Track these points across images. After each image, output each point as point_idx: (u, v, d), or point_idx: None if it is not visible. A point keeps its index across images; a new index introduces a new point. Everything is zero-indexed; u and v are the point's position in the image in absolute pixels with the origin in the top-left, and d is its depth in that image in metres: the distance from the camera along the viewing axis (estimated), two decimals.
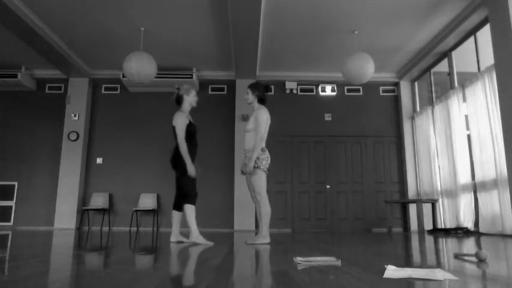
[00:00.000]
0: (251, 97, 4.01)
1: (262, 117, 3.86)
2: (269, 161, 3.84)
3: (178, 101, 4.14)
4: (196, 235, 3.78)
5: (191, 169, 3.78)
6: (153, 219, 7.86)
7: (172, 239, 3.89)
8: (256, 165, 3.73)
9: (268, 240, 3.69)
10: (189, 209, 3.79)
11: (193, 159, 3.91)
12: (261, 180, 3.77)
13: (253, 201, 3.95)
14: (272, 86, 8.50)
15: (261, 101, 4.02)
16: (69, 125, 8.07)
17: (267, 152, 3.85)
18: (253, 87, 4.02)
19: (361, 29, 6.52)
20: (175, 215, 3.95)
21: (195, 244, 3.60)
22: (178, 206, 3.93)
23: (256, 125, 3.84)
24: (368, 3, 5.77)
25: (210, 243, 3.62)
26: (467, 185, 6.29)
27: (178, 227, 3.94)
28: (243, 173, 3.91)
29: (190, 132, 3.94)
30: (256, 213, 4.00)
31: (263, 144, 3.85)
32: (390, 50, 7.33)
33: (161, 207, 7.96)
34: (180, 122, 3.92)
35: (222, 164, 8.12)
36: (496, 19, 5.20)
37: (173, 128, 3.93)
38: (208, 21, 6.31)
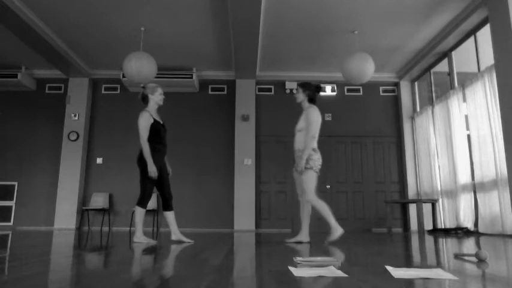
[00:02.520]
0: (301, 96, 4.00)
1: (314, 117, 3.86)
2: (320, 162, 3.87)
3: (144, 100, 4.16)
4: (139, 235, 3.78)
5: (151, 169, 3.75)
6: (153, 219, 7.86)
7: (173, 237, 3.93)
8: (308, 166, 3.75)
9: (339, 231, 3.68)
10: (138, 211, 3.79)
11: (161, 159, 3.92)
12: (311, 181, 3.79)
13: (299, 199, 3.99)
14: (272, 86, 8.50)
15: (311, 100, 4.00)
16: (69, 125, 8.07)
17: (318, 153, 3.88)
18: (303, 86, 4.02)
19: (361, 29, 6.52)
20: (167, 215, 3.95)
21: (139, 244, 3.47)
22: (167, 206, 3.95)
23: (307, 125, 3.85)
24: (368, 3, 5.77)
25: (153, 242, 3.71)
26: (467, 185, 6.29)
27: (175, 226, 3.96)
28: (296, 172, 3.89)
29: (156, 131, 3.92)
30: (301, 212, 4.04)
31: (315, 145, 3.85)
32: (390, 50, 7.33)
33: (161, 208, 7.95)
34: (142, 121, 3.92)
35: (222, 164, 8.12)
36: (496, 19, 5.20)
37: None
38: (208, 21, 6.31)
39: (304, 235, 3.81)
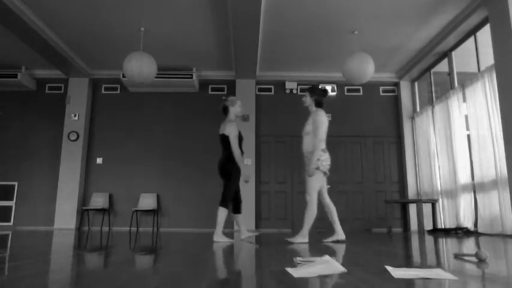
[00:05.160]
0: (309, 100, 4.12)
1: (321, 119, 3.94)
2: (329, 162, 3.96)
3: (225, 111, 4.52)
4: (220, 235, 4.14)
5: (246, 173, 4.27)
6: (153, 219, 7.86)
7: (243, 237, 4.32)
8: (316, 167, 3.83)
9: (306, 239, 3.85)
10: (221, 212, 4.19)
11: (241, 165, 4.34)
12: (315, 182, 3.88)
13: (323, 202, 4.11)
14: (272, 86, 8.50)
15: (318, 104, 4.11)
16: (69, 125, 8.07)
17: (327, 153, 3.96)
18: (311, 90, 4.14)
19: (361, 29, 6.52)
20: (237, 217, 4.38)
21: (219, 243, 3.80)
22: (237, 210, 4.40)
23: (314, 128, 3.94)
24: (368, 3, 5.77)
25: (232, 241, 4.03)
26: (467, 185, 6.29)
27: (244, 226, 4.37)
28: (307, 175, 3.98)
29: (239, 141, 4.37)
30: (328, 214, 4.17)
31: (323, 146, 3.93)
32: (390, 50, 7.34)
33: (161, 207, 7.96)
34: (233, 131, 4.31)
35: None
36: (496, 19, 5.20)
37: (222, 136, 4.38)
38: (208, 21, 6.31)
39: (339, 233, 3.94)
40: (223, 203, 4.20)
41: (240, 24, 5.95)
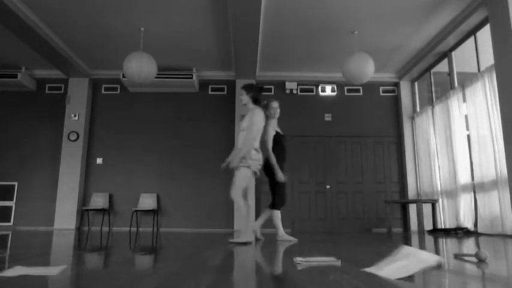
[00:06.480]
0: (246, 98, 4.08)
1: (256, 118, 3.89)
2: (261, 162, 3.89)
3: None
4: (281, 234, 4.30)
5: (279, 175, 4.25)
6: (153, 220, 7.87)
7: (282, 234, 4.33)
8: (245, 164, 3.76)
9: (252, 238, 3.68)
10: (275, 214, 4.37)
11: (281, 166, 4.36)
12: (243, 179, 3.80)
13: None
14: (272, 86, 8.50)
15: (255, 101, 4.08)
16: (69, 125, 8.07)
17: (260, 154, 3.90)
18: (247, 88, 4.11)
19: (361, 29, 6.52)
20: (273, 213, 4.40)
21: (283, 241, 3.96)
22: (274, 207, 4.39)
23: (248, 125, 3.88)
24: (368, 3, 5.77)
25: (295, 240, 4.12)
26: (467, 185, 6.29)
27: (260, 223, 4.41)
28: (226, 167, 4.03)
29: (276, 142, 4.40)
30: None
31: (256, 145, 3.88)
32: (390, 50, 7.34)
33: (161, 208, 7.96)
34: (266, 133, 4.37)
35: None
36: (496, 19, 5.20)
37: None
38: (208, 21, 6.31)
39: (246, 235, 3.71)
40: (274, 206, 4.39)
41: (240, 24, 5.95)
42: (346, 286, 1.26)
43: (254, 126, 3.84)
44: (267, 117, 4.42)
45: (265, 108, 4.46)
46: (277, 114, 4.51)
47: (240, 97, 4.17)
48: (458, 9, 5.93)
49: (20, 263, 1.90)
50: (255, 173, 3.86)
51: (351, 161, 8.25)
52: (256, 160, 3.82)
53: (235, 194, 3.76)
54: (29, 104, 8.40)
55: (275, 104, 4.51)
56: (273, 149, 4.36)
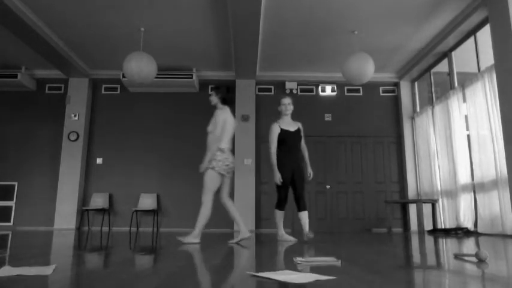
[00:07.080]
0: (215, 99, 4.07)
1: (223, 118, 3.88)
2: (228, 163, 3.80)
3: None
4: (281, 234, 4.30)
5: (275, 177, 4.24)
6: (153, 220, 7.87)
7: (305, 238, 4.24)
8: (210, 166, 3.74)
9: (198, 240, 3.72)
10: (276, 213, 4.39)
11: (284, 164, 4.29)
12: (210, 182, 3.76)
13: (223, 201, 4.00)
14: (272, 86, 8.51)
15: (224, 101, 4.09)
16: (69, 125, 8.07)
17: (227, 153, 3.82)
18: (216, 89, 4.14)
19: (361, 29, 6.52)
20: (300, 216, 4.31)
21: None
22: (298, 207, 4.33)
23: (216, 126, 3.86)
24: (368, 3, 5.77)
25: (294, 239, 4.14)
26: (467, 185, 6.29)
27: (307, 227, 4.30)
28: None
29: (280, 139, 4.38)
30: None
31: (224, 145, 3.82)
32: (390, 50, 7.34)
33: (161, 207, 7.96)
34: (270, 133, 4.44)
35: None
36: (496, 19, 5.20)
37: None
38: (208, 21, 6.31)
39: (242, 231, 3.79)
40: (276, 205, 4.41)
41: (240, 24, 5.95)
42: (346, 286, 1.26)
43: (220, 126, 3.82)
44: (279, 114, 4.44)
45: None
46: (289, 111, 4.47)
47: (209, 98, 4.16)
48: (458, 9, 5.93)
49: (21, 263, 1.90)
50: (221, 174, 3.78)
51: (351, 161, 8.26)
52: (221, 161, 3.74)
53: (204, 196, 3.74)
54: (29, 104, 8.40)
55: (286, 101, 4.46)
56: (278, 147, 4.38)
